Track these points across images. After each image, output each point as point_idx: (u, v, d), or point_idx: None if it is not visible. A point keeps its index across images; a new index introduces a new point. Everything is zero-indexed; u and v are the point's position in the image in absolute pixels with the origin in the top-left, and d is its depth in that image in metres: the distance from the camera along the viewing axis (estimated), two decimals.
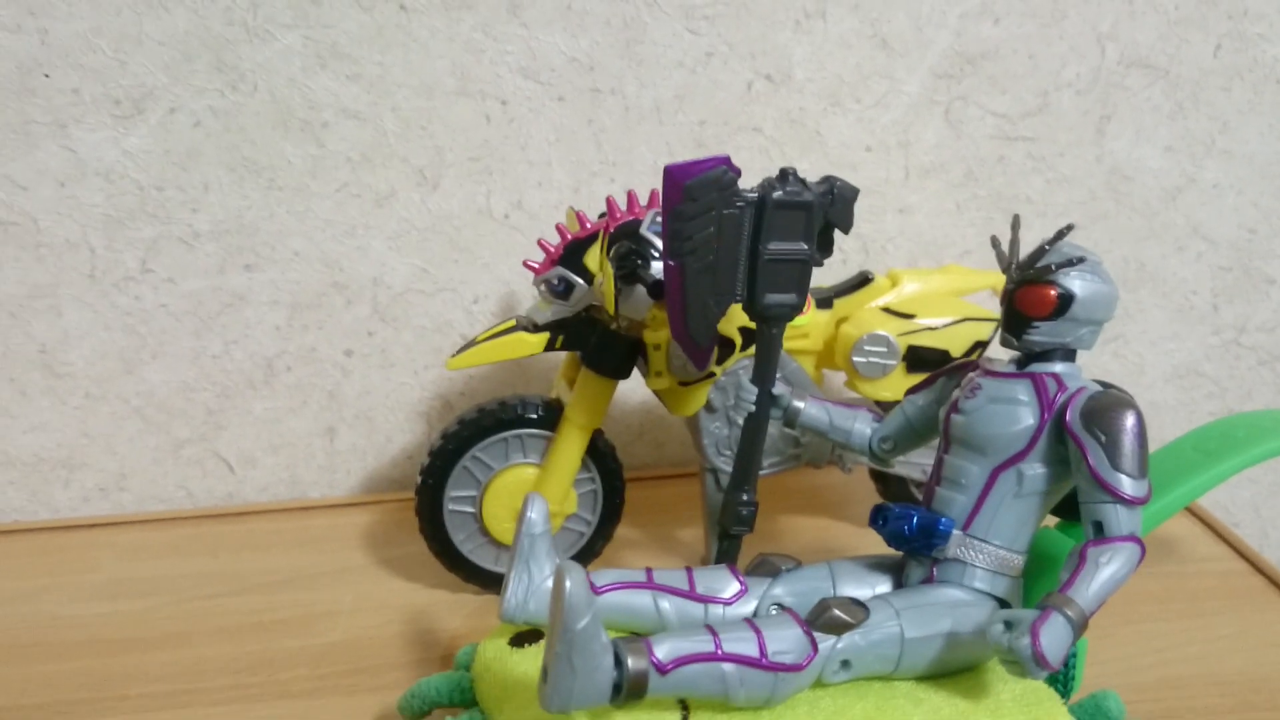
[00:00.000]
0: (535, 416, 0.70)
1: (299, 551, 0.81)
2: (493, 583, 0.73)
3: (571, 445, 0.69)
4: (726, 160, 0.56)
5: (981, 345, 0.71)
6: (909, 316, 0.71)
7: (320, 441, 0.88)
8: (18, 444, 0.85)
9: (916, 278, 0.73)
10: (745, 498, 0.62)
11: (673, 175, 0.54)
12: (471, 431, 0.70)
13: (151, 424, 0.86)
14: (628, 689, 0.45)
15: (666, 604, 0.54)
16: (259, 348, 0.85)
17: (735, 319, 0.69)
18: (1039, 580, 0.54)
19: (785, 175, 0.57)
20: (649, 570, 0.55)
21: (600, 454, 0.71)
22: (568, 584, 0.44)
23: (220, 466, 0.87)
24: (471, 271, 0.85)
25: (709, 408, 0.71)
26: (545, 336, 0.68)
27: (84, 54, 0.78)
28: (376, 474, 0.89)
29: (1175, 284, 0.95)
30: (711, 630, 0.48)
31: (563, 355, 0.77)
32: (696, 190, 0.55)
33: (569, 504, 0.71)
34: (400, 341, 0.86)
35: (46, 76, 0.78)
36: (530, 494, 0.55)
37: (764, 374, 0.60)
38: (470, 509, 0.71)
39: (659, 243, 0.64)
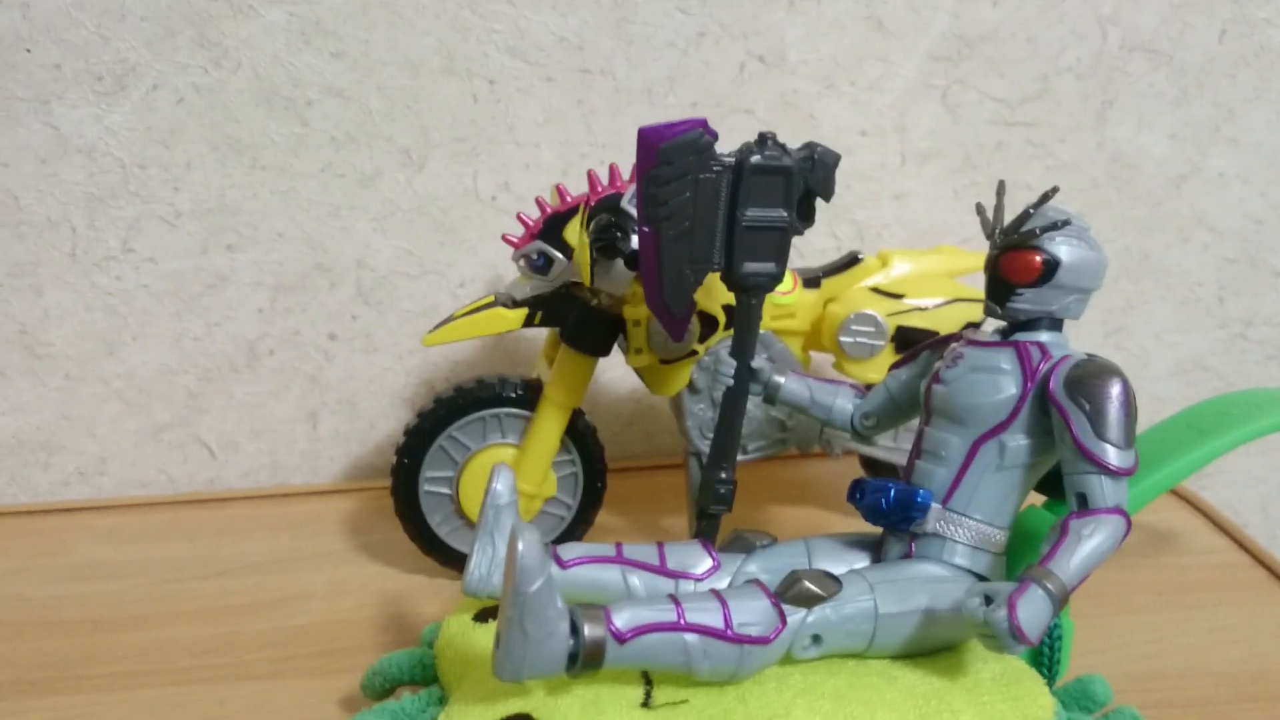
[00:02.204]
0: (514, 396, 0.68)
1: (277, 537, 0.79)
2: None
3: (550, 425, 0.68)
4: (703, 123, 0.54)
5: (973, 327, 0.69)
6: (898, 297, 0.69)
7: (303, 427, 0.86)
8: None
9: (907, 258, 0.71)
10: (724, 475, 0.60)
11: (647, 138, 0.53)
12: (448, 410, 0.68)
13: (132, 406, 0.84)
14: (584, 658, 0.44)
15: (636, 579, 0.52)
16: (241, 330, 0.84)
17: (718, 295, 0.67)
18: (1022, 559, 0.52)
19: (764, 139, 0.55)
20: (619, 545, 0.53)
21: (581, 435, 0.70)
22: (520, 545, 0.42)
23: (202, 451, 0.86)
24: (458, 254, 0.84)
25: (692, 389, 0.69)
26: (523, 312, 0.66)
27: (66, 29, 0.77)
28: (359, 460, 0.88)
29: (1180, 275, 0.92)
30: (674, 600, 0.46)
31: (545, 334, 0.76)
32: (672, 153, 0.53)
33: (548, 486, 0.69)
34: (384, 325, 0.85)
35: (28, 51, 0.77)
36: (496, 465, 0.53)
37: (743, 346, 0.58)
38: (447, 490, 0.69)
39: (633, 218, 0.63)
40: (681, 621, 0.45)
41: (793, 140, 0.76)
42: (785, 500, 0.82)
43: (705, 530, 0.61)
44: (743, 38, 0.82)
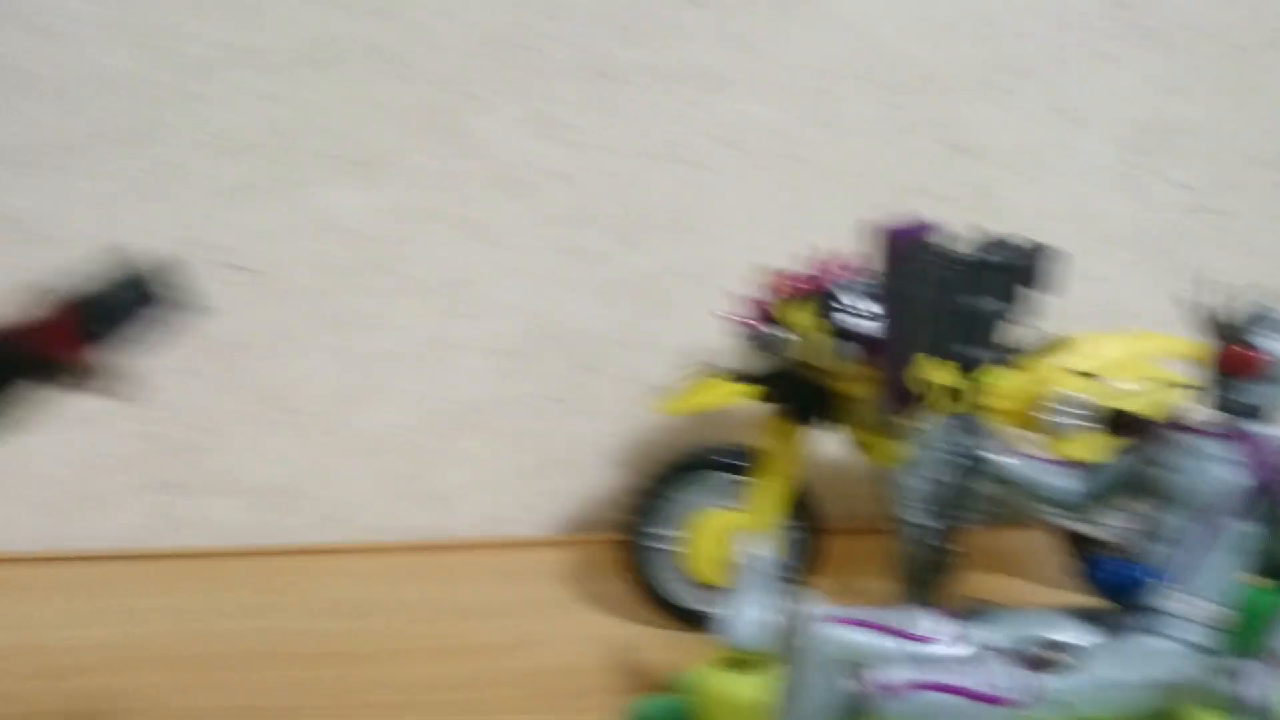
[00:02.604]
0: (736, 462, 0.74)
1: (503, 583, 0.87)
2: (690, 620, 0.77)
3: (773, 492, 0.73)
4: (935, 224, 0.60)
5: (1180, 409, 0.72)
6: (1102, 379, 0.73)
7: (525, 482, 0.94)
8: (254, 473, 0.93)
9: (1110, 341, 0.75)
10: (945, 547, 0.65)
11: (888, 235, 0.59)
12: (675, 474, 0.74)
13: (373, 459, 0.93)
14: (861, 714, 0.49)
15: (889, 642, 0.56)
16: (473, 392, 0.92)
17: (935, 374, 0.72)
18: (1247, 637, 0.55)
19: (990, 239, 0.61)
20: (867, 609, 0.58)
21: (799, 503, 0.75)
22: (806, 610, 0.48)
23: (433, 501, 0.94)
24: (670, 326, 0.90)
25: (906, 460, 0.74)
26: (749, 386, 0.72)
27: (332, 120, 0.86)
28: (577, 515, 0.95)
29: None
30: (936, 662, 0.51)
31: (760, 405, 0.81)
32: (909, 249, 0.59)
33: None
34: (603, 391, 0.92)
35: (298, 140, 0.87)
36: (753, 531, 0.59)
37: (965, 424, 0.63)
38: (671, 548, 0.76)
39: (863, 301, 0.69)
40: (947, 683, 0.50)
41: (988, 226, 0.81)
42: (1000, 570, 0.85)
43: (925, 597, 0.66)
44: (941, 127, 0.87)
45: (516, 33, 0.85)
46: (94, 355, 0.49)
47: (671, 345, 0.91)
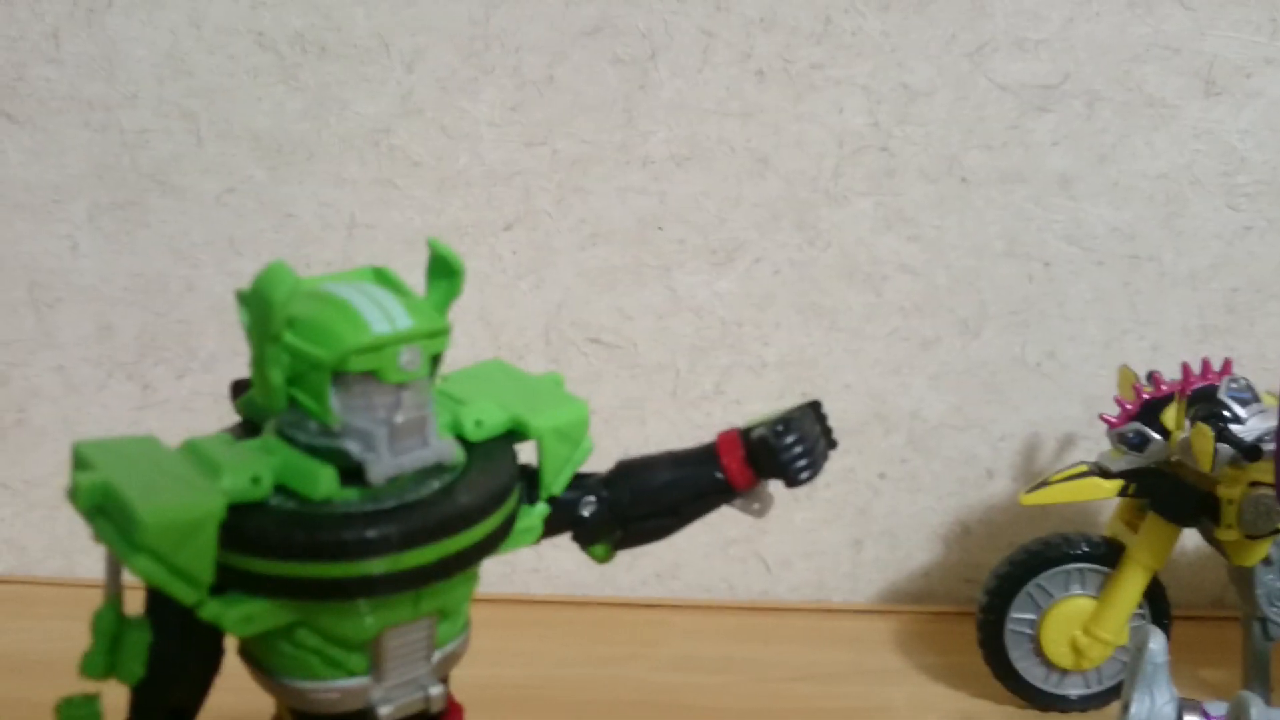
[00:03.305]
0: (1096, 553, 0.78)
1: (832, 649, 0.92)
2: (1039, 699, 0.81)
3: (1134, 583, 0.77)
4: None
5: None
6: None
7: (848, 552, 0.99)
8: None
9: None
10: None
11: None
12: (1038, 561, 0.79)
13: (706, 524, 0.99)
14: None
15: None
16: None
17: None
18: None
19: None
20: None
21: (1154, 594, 0.79)
22: (1249, 709, 0.51)
23: (759, 565, 1.00)
24: (1001, 412, 0.95)
25: (1266, 560, 0.76)
26: (1119, 484, 0.76)
27: (692, 212, 0.94)
28: (895, 586, 0.99)
29: None
30: None
31: (1123, 500, 0.84)
32: None
33: (1121, 636, 0.78)
34: (929, 469, 0.97)
35: (660, 229, 0.94)
36: (1149, 626, 0.63)
37: None
38: (1029, 631, 0.80)
39: (1237, 407, 0.72)
40: None
41: None
42: None
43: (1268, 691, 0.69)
44: None
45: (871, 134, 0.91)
46: (761, 484, 0.57)
47: (1000, 430, 0.95)
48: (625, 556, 1.02)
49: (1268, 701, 0.71)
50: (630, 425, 0.98)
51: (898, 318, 0.94)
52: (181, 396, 1.00)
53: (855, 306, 0.94)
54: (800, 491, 0.99)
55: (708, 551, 1.00)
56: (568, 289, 0.96)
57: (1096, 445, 0.83)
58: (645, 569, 1.01)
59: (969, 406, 0.95)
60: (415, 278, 0.51)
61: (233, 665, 0.48)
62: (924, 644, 0.91)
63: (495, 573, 1.01)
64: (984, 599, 0.80)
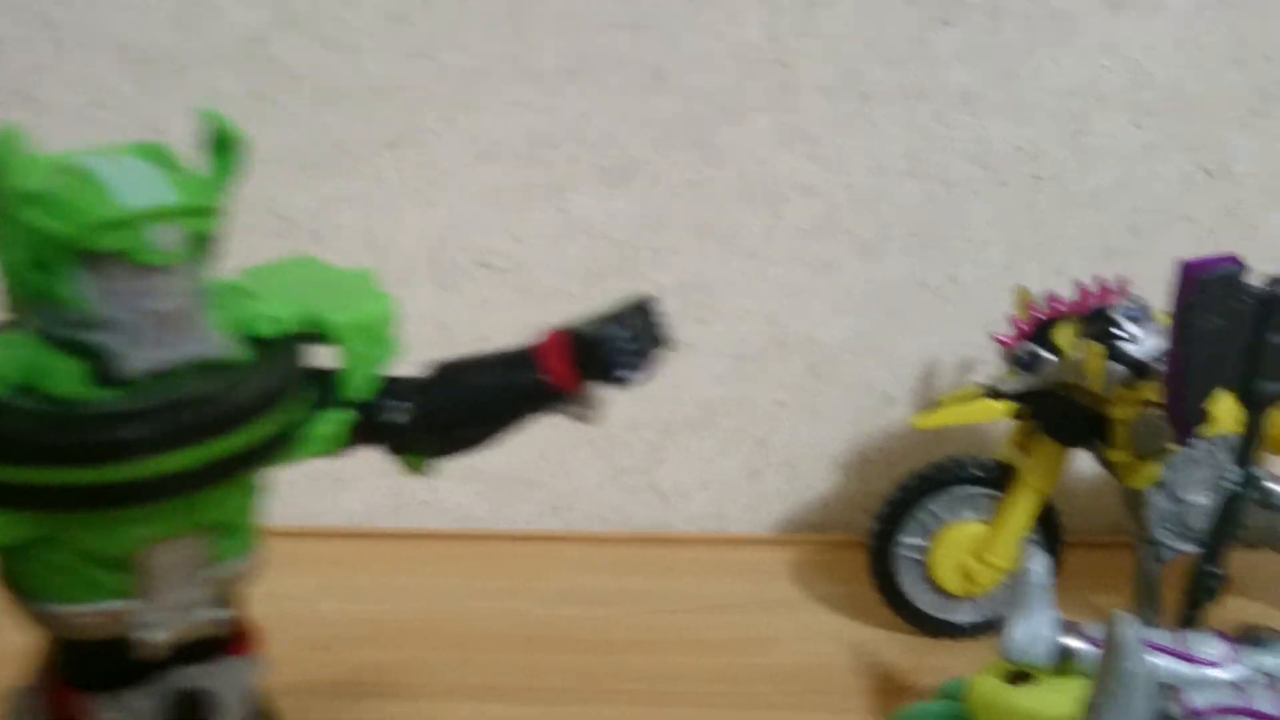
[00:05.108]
0: (987, 476, 0.76)
1: (729, 579, 0.90)
2: (930, 626, 0.79)
3: (1024, 507, 0.75)
4: (1235, 259, 0.61)
5: None
6: None
7: (746, 482, 0.97)
8: (489, 461, 0.97)
9: None
10: (1215, 570, 0.66)
11: (1189, 270, 0.60)
12: (928, 485, 0.77)
13: (600, 452, 0.97)
14: None
15: (1161, 661, 0.58)
16: (701, 393, 0.95)
17: (1222, 404, 0.72)
18: None
19: None
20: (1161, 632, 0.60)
21: (1046, 518, 0.77)
22: (1123, 629, 0.49)
23: (655, 496, 0.98)
24: (902, 336, 0.92)
25: (1158, 483, 0.75)
26: (1010, 405, 0.74)
27: (585, 131, 0.90)
28: (795, 516, 0.97)
29: None
30: (1238, 687, 0.52)
31: (1015, 422, 0.82)
32: (1210, 285, 0.60)
33: (1011, 562, 0.77)
34: (828, 397, 0.94)
35: (553, 148, 0.90)
36: (1029, 546, 0.61)
37: (1248, 454, 0.64)
38: (919, 557, 0.78)
39: (1130, 326, 0.70)
40: (1251, 707, 0.51)
41: (1234, 250, 0.81)
42: (1263, 596, 0.84)
43: (1190, 620, 0.67)
44: (1190, 150, 0.87)
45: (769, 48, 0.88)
46: (587, 386, 0.53)
47: (901, 356, 0.93)
48: (522, 488, 1.00)
49: (1157, 624, 0.69)
50: None
51: (796, 240, 0.91)
52: None
53: (753, 228, 0.91)
54: (698, 419, 0.97)
55: (601, 481, 0.98)
56: (455, 210, 0.92)
57: (998, 370, 0.80)
58: (540, 500, 0.98)
59: (869, 331, 0.93)
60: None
61: None
62: (822, 574, 0.89)
63: (384, 505, 0.99)
64: (874, 525, 0.78)
